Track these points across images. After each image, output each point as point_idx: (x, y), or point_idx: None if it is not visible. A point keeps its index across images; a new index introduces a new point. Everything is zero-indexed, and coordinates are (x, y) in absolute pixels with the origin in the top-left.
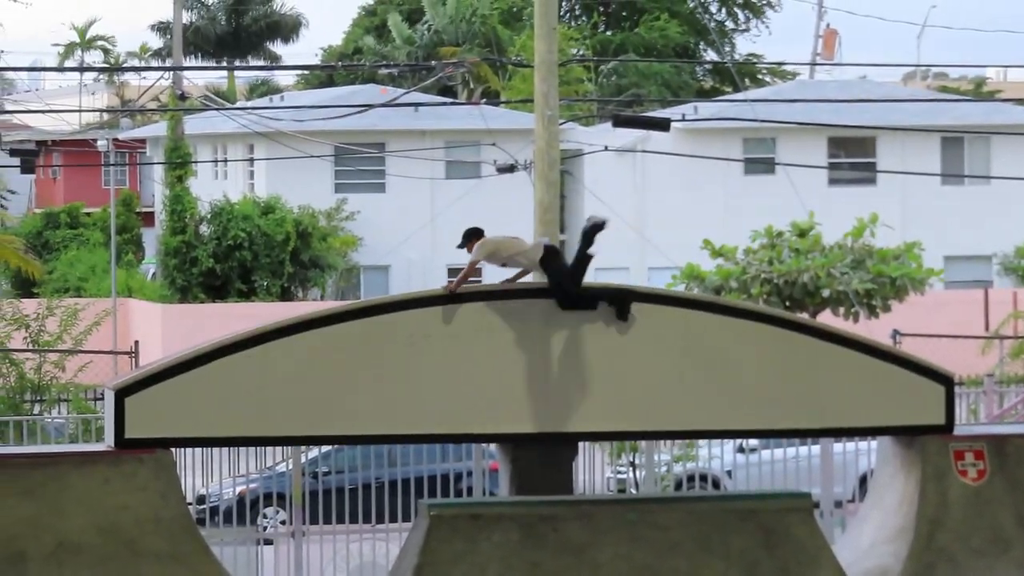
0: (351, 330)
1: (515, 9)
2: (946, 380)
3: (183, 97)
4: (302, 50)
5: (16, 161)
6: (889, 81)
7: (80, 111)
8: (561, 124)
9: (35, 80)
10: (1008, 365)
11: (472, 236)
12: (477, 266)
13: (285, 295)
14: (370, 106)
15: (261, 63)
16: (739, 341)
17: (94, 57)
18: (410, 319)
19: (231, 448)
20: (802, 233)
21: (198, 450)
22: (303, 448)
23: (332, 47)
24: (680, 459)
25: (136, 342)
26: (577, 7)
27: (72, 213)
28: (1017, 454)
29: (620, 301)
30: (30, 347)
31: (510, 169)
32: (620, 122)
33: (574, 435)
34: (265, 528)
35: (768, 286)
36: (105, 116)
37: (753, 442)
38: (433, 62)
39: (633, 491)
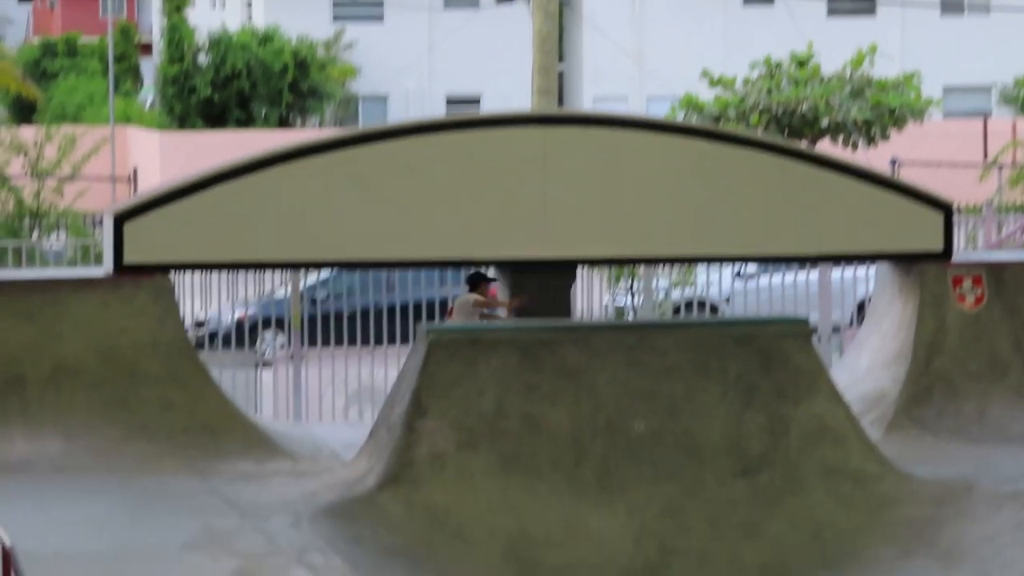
0: (351, 157)
1: None
2: (944, 207)
3: None
4: None
5: None
6: None
7: None
8: None
9: None
10: (1006, 193)
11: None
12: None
13: (283, 124)
14: None
15: None
16: (737, 168)
17: None
18: (409, 146)
19: (230, 273)
20: (801, 63)
21: (197, 276)
22: (301, 273)
23: None
24: (678, 285)
25: (135, 169)
26: None
27: (70, 42)
28: (1015, 281)
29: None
30: (28, 173)
31: None
32: None
33: (573, 260)
34: (264, 352)
35: (767, 116)
36: None
37: (751, 268)
38: None
39: (631, 317)
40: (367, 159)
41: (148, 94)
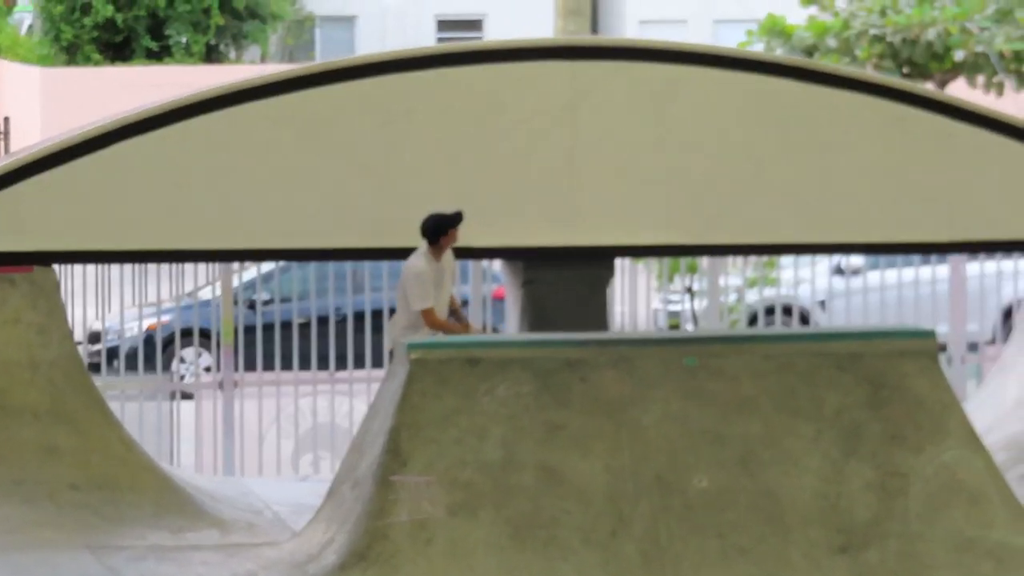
0: (304, 102)
1: None
2: None
3: None
4: None
5: None
6: None
7: None
8: None
9: None
10: None
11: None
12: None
13: (211, 57)
14: None
15: None
16: (839, 121)
17: None
18: (385, 89)
19: (136, 266)
20: None
21: (91, 269)
22: (235, 266)
23: None
24: (756, 283)
25: (6, 119)
26: None
27: None
28: None
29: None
30: None
31: None
32: None
33: (609, 249)
34: (183, 376)
35: (880, 45)
36: None
37: (856, 261)
38: None
39: (690, 328)
40: (327, 106)
41: (25, 13)
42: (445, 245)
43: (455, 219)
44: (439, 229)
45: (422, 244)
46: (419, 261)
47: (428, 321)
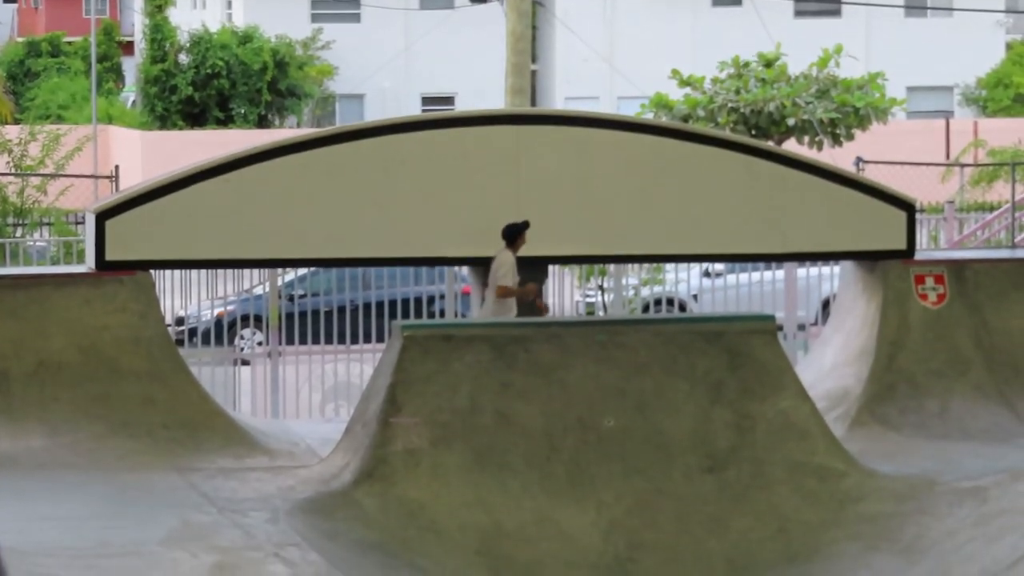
0: (327, 155)
1: None
2: (907, 206)
3: None
4: None
5: None
6: None
7: None
8: None
9: None
10: (968, 193)
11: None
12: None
13: (262, 123)
14: None
15: None
16: (706, 167)
17: None
18: (385, 145)
19: (209, 271)
20: (768, 63)
21: (177, 273)
22: (279, 271)
23: None
24: (647, 283)
25: (116, 167)
26: None
27: (53, 42)
28: (976, 279)
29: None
30: (12, 171)
31: (483, 0)
32: None
33: (544, 258)
34: (242, 349)
35: (735, 115)
36: None
37: (719, 266)
38: None
39: (601, 314)
40: (344, 158)
41: (130, 93)
42: (519, 244)
43: (524, 226)
44: (513, 234)
45: (501, 244)
46: (504, 255)
47: (504, 292)
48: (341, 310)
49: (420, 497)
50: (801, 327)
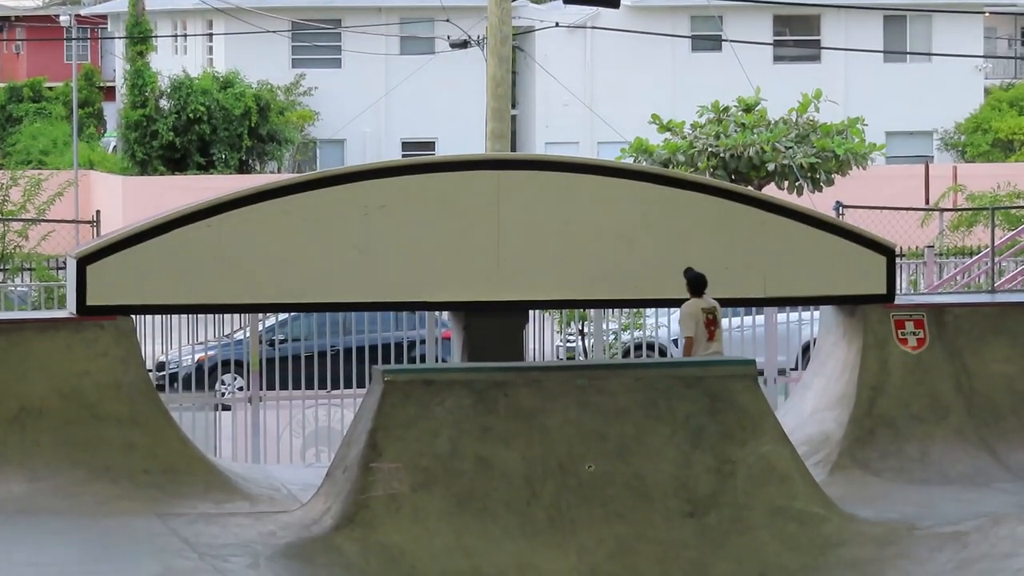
0: (308, 200)
1: None
2: (887, 251)
3: None
4: None
5: None
6: None
7: None
8: (513, 1)
9: None
10: (947, 237)
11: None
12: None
13: (243, 168)
14: None
15: None
16: (686, 213)
17: None
18: (365, 190)
19: (190, 316)
20: (748, 108)
21: (158, 318)
22: (260, 316)
23: None
24: (628, 327)
25: (97, 212)
26: None
27: (35, 87)
28: (955, 323)
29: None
30: None
31: (463, 45)
32: None
33: (524, 303)
34: (223, 394)
35: (714, 160)
36: None
37: None
38: None
39: (582, 358)
40: (324, 202)
41: (111, 138)
42: (701, 294)
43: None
44: (697, 285)
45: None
46: (687, 307)
47: (687, 345)
48: (322, 355)
49: (401, 542)
50: (781, 372)
